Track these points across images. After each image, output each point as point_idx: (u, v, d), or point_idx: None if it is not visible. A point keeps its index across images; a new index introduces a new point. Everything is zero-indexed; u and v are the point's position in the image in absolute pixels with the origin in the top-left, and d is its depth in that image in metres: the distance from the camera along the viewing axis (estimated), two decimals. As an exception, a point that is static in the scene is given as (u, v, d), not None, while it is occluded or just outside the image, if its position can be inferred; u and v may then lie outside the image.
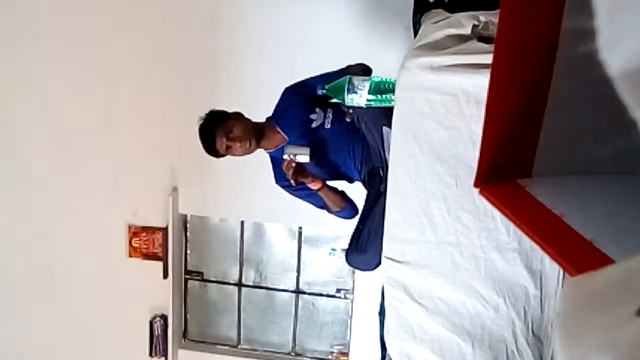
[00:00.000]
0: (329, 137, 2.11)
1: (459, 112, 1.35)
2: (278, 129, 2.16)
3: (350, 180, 2.24)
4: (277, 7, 3.27)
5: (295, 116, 2.13)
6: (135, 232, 3.79)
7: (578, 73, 0.82)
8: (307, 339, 3.95)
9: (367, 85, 1.74)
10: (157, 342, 3.90)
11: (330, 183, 2.19)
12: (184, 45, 3.44)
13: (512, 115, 0.89)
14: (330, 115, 2.12)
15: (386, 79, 1.75)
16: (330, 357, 3.93)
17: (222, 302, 4.01)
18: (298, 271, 3.85)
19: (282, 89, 2.21)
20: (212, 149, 2.09)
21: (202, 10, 3.40)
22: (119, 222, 3.78)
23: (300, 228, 3.77)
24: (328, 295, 3.83)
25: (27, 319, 3.97)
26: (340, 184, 2.25)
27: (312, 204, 2.23)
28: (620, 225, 0.86)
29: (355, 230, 2.05)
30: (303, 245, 3.80)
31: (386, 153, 1.82)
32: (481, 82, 1.28)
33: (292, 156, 1.96)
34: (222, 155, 2.12)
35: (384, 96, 1.74)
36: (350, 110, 1.93)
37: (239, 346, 4.04)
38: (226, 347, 4.05)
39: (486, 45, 1.36)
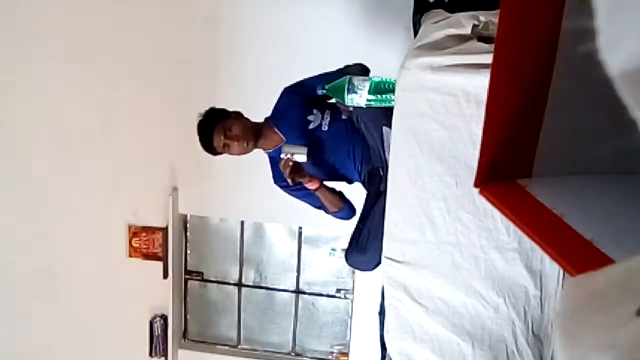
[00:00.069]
0: (326, 139, 2.11)
1: (459, 112, 1.35)
2: (276, 129, 2.16)
3: (349, 181, 2.24)
4: (277, 7, 3.27)
5: (293, 117, 2.13)
6: (135, 232, 3.79)
7: (578, 73, 0.82)
8: (307, 339, 3.95)
9: (367, 85, 1.74)
10: (157, 342, 3.90)
11: (329, 184, 2.19)
12: (184, 45, 3.44)
13: (512, 115, 0.89)
14: (328, 117, 2.12)
15: (386, 79, 1.75)
16: (330, 357, 3.93)
17: (222, 302, 4.01)
18: (298, 271, 3.85)
19: (282, 89, 2.21)
20: (209, 146, 2.10)
21: (202, 10, 3.40)
22: (119, 222, 3.78)
23: (300, 228, 3.77)
24: (328, 295, 3.83)
25: (27, 319, 3.97)
26: (339, 185, 2.25)
27: (310, 204, 2.23)
28: (620, 225, 0.86)
29: (355, 230, 2.05)
30: (303, 245, 3.80)
31: (386, 153, 1.82)
32: (481, 82, 1.28)
33: (289, 155, 1.96)
34: (219, 153, 2.12)
35: (384, 96, 1.73)
36: (350, 108, 1.93)
37: (239, 346, 4.04)
38: (226, 347, 4.05)
39: (486, 45, 1.36)
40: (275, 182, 2.19)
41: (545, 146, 0.92)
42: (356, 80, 1.76)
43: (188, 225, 3.90)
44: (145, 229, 3.78)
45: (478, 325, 1.48)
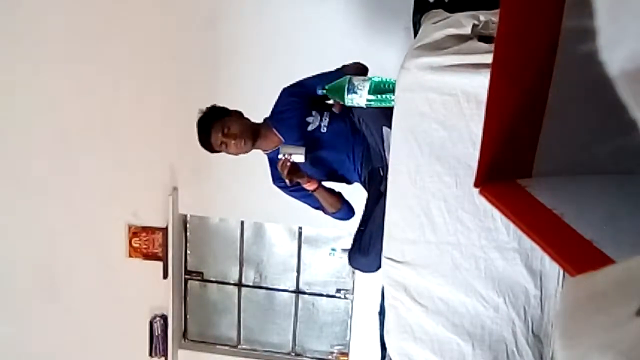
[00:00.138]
0: (325, 141, 2.11)
1: (459, 112, 1.35)
2: (275, 130, 2.16)
3: (349, 182, 2.24)
4: (277, 7, 3.27)
5: (292, 118, 2.13)
6: (135, 232, 3.79)
7: (578, 73, 0.82)
8: (307, 339, 3.95)
9: (367, 85, 1.73)
10: (157, 342, 3.90)
11: (328, 184, 2.19)
12: (184, 45, 3.44)
13: (512, 115, 0.89)
14: (327, 119, 2.12)
15: (386, 79, 1.75)
16: (330, 357, 3.93)
17: (222, 302, 4.01)
18: (298, 271, 3.85)
19: (281, 90, 2.21)
20: (206, 143, 2.10)
21: (202, 10, 3.40)
22: (119, 222, 3.78)
23: (300, 228, 3.77)
24: (328, 295, 3.83)
25: (27, 319, 3.97)
26: (339, 186, 2.25)
27: (309, 204, 2.23)
28: (620, 225, 0.86)
29: (357, 232, 2.05)
30: (303, 245, 3.80)
31: (386, 153, 1.82)
32: (481, 82, 1.28)
33: (287, 155, 1.96)
34: (217, 151, 2.13)
35: (384, 96, 1.73)
36: (341, 104, 1.93)
37: (239, 346, 4.04)
38: (226, 347, 4.05)
39: (486, 45, 1.36)
40: (274, 182, 2.19)
41: (545, 146, 0.92)
42: (356, 80, 1.76)
43: (188, 225, 3.90)
44: (145, 229, 3.78)
45: (478, 325, 1.48)
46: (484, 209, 1.38)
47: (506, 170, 0.94)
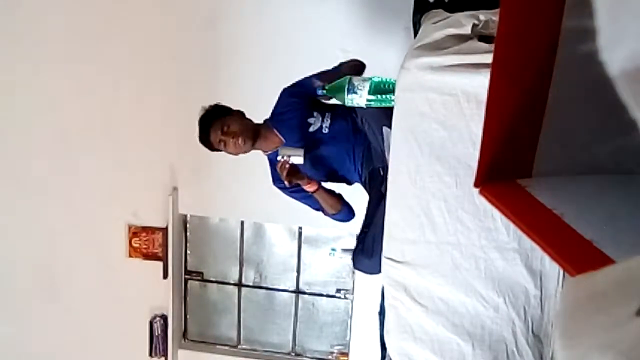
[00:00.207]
0: (327, 141, 2.11)
1: (459, 112, 1.35)
2: (276, 131, 2.16)
3: (349, 183, 2.24)
4: (277, 7, 3.27)
5: (292, 119, 2.13)
6: (135, 232, 3.79)
7: (578, 73, 0.82)
8: (307, 339, 3.95)
9: (367, 85, 1.73)
10: (157, 342, 3.90)
11: (328, 185, 2.19)
12: (184, 45, 3.44)
13: (512, 115, 0.89)
14: (329, 120, 2.12)
15: (386, 79, 1.75)
16: (330, 357, 3.93)
17: (222, 302, 4.01)
18: (298, 271, 3.85)
19: (280, 91, 2.21)
20: (206, 140, 2.10)
21: (202, 10, 3.40)
22: (119, 222, 3.78)
23: (300, 228, 3.77)
24: (328, 295, 3.83)
25: (27, 319, 3.97)
26: (339, 187, 2.25)
27: (309, 205, 2.23)
28: (620, 225, 0.86)
29: (360, 233, 2.05)
30: (303, 245, 3.80)
31: (386, 153, 1.82)
32: (481, 82, 1.28)
33: (285, 157, 1.96)
34: (216, 149, 2.13)
35: (384, 96, 1.73)
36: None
37: (239, 346, 4.04)
38: (226, 347, 4.05)
39: (486, 45, 1.36)
40: (274, 183, 2.19)
41: (545, 146, 0.92)
42: (356, 80, 1.76)
43: (188, 225, 3.90)
44: (145, 229, 3.78)
45: (478, 325, 1.48)
46: (484, 209, 1.38)
47: (506, 170, 0.94)
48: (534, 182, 0.94)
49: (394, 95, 1.53)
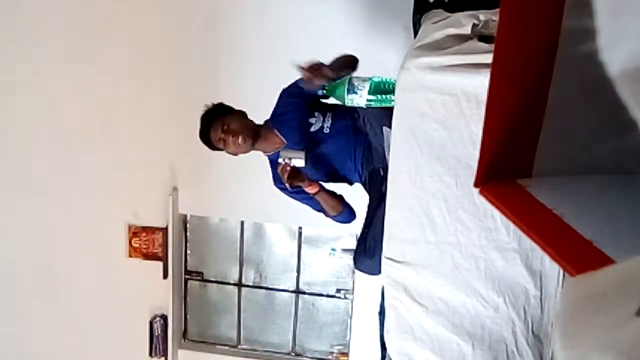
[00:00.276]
0: (328, 141, 2.11)
1: (459, 112, 1.35)
2: (277, 132, 2.16)
3: (350, 183, 2.24)
4: (277, 7, 3.27)
5: (293, 120, 2.13)
6: (135, 232, 3.79)
7: (578, 73, 0.82)
8: (307, 339, 3.95)
9: (367, 85, 1.74)
10: (157, 342, 3.90)
11: (329, 185, 2.19)
12: (184, 45, 3.44)
13: (512, 115, 0.89)
14: (330, 119, 2.12)
15: (386, 79, 1.75)
16: (330, 357, 3.93)
17: (222, 302, 4.01)
18: (298, 271, 3.85)
19: (280, 91, 2.21)
20: (206, 138, 2.10)
21: (202, 10, 3.40)
22: (119, 222, 3.78)
23: (300, 228, 3.77)
24: (328, 295, 3.83)
25: (27, 319, 3.97)
26: (340, 188, 2.25)
27: (310, 206, 2.23)
28: (620, 225, 0.86)
29: (361, 234, 2.04)
30: (303, 245, 3.80)
31: (387, 153, 1.82)
32: (481, 82, 1.28)
33: (287, 160, 1.96)
34: (216, 148, 2.12)
35: (384, 96, 1.74)
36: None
37: (239, 346, 4.04)
38: (226, 347, 4.05)
39: (486, 45, 1.36)
40: (275, 184, 2.19)
41: (545, 146, 0.92)
42: (356, 80, 1.76)
43: (188, 225, 3.90)
44: (145, 229, 3.78)
45: (478, 325, 1.48)
46: (484, 209, 1.38)
47: (506, 170, 0.94)
48: (534, 182, 0.94)
49: (394, 95, 1.53)
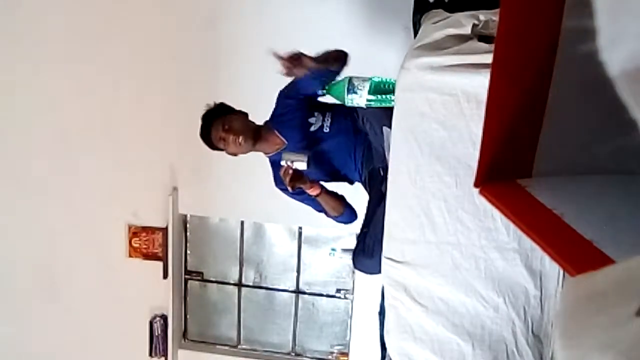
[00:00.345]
0: (328, 141, 2.11)
1: (459, 112, 1.35)
2: (277, 132, 2.16)
3: (351, 182, 2.24)
4: (277, 7, 3.27)
5: (292, 120, 2.13)
6: (135, 232, 3.79)
7: (578, 73, 0.82)
8: (307, 339, 3.95)
9: (367, 85, 1.74)
10: (157, 342, 3.90)
11: (330, 184, 2.19)
12: (184, 45, 3.43)
13: (512, 115, 0.89)
14: (329, 119, 2.12)
15: (386, 79, 1.75)
16: (330, 357, 3.93)
17: (222, 302, 4.01)
18: (298, 271, 3.85)
19: (278, 93, 2.21)
20: (207, 137, 2.10)
21: (202, 10, 3.40)
22: (119, 222, 3.78)
23: (300, 228, 3.77)
24: (328, 295, 3.83)
25: (27, 319, 3.97)
26: (341, 188, 2.25)
27: (311, 207, 2.23)
28: (620, 226, 0.86)
29: (360, 233, 2.04)
30: (303, 245, 3.80)
31: (387, 153, 1.82)
32: (481, 82, 1.28)
33: (289, 163, 1.96)
34: (216, 148, 2.12)
35: (384, 96, 1.74)
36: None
37: (239, 346, 4.04)
38: (226, 347, 4.05)
39: (486, 45, 1.36)
40: (277, 185, 2.19)
41: (545, 146, 0.92)
42: (356, 80, 1.76)
43: (188, 225, 3.90)
44: (145, 229, 3.78)
45: (478, 325, 1.48)
46: (484, 209, 1.38)
47: (506, 170, 0.94)
48: (534, 182, 0.94)
49: (394, 95, 1.53)
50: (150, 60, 3.47)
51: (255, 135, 2.11)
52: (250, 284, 3.93)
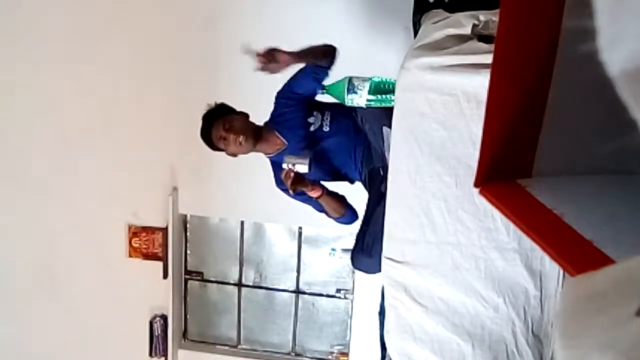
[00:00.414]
0: (328, 140, 2.11)
1: (459, 112, 1.35)
2: (277, 133, 2.16)
3: (352, 181, 2.24)
4: (277, 7, 3.27)
5: (291, 120, 2.13)
6: (135, 232, 3.79)
7: (578, 73, 0.82)
8: (307, 339, 3.95)
9: (367, 85, 1.74)
10: (157, 342, 3.90)
11: (331, 184, 2.19)
12: (184, 45, 3.43)
13: (512, 115, 0.89)
14: (329, 118, 2.12)
15: (386, 79, 1.75)
16: (330, 357, 3.93)
17: (222, 302, 4.01)
18: (298, 271, 3.84)
19: (275, 94, 2.21)
20: (207, 137, 2.10)
21: (202, 10, 3.40)
22: (119, 222, 3.78)
23: (300, 228, 3.77)
24: (328, 295, 3.83)
25: (27, 319, 3.97)
26: (342, 189, 2.24)
27: (312, 207, 2.22)
28: (620, 225, 0.86)
29: (359, 233, 2.04)
30: (303, 245, 3.80)
31: (386, 153, 1.82)
32: (481, 82, 1.28)
33: (290, 166, 1.96)
34: (216, 148, 2.12)
35: (384, 96, 1.74)
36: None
37: (239, 346, 4.04)
38: (226, 347, 4.05)
39: (486, 45, 1.36)
40: (277, 185, 2.18)
41: (545, 146, 0.92)
42: (356, 80, 1.76)
43: (188, 225, 3.90)
44: (145, 229, 3.78)
45: (478, 325, 1.48)
46: (484, 209, 1.38)
47: (506, 170, 0.94)
48: (534, 182, 0.94)
49: (394, 95, 1.53)
50: (150, 60, 3.47)
51: (255, 135, 2.11)
52: (250, 284, 3.93)
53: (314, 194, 2.06)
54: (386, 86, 1.76)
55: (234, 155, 2.15)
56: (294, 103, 2.12)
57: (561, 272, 1.40)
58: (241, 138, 2.06)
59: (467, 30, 1.43)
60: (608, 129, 0.86)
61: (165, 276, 3.78)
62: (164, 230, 3.73)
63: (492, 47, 0.95)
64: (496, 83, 0.86)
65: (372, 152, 2.04)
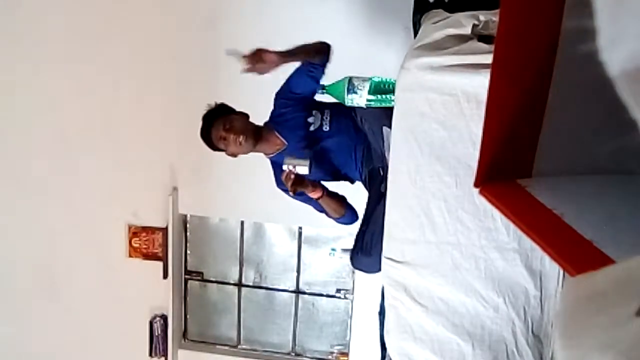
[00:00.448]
0: (328, 139, 2.11)
1: (459, 112, 1.35)
2: (276, 133, 2.16)
3: (352, 181, 2.24)
4: (277, 7, 3.27)
5: (291, 120, 2.13)
6: (135, 232, 3.79)
7: (578, 73, 0.82)
8: (307, 339, 3.95)
9: (367, 85, 1.74)
10: (157, 342, 3.90)
11: (331, 184, 2.19)
12: (184, 45, 3.43)
13: (512, 115, 0.89)
14: (328, 117, 2.12)
15: (386, 79, 1.75)
16: (330, 357, 3.93)
17: (222, 302, 4.01)
18: (298, 271, 3.84)
19: (274, 95, 2.21)
20: (207, 137, 2.10)
21: (202, 10, 3.40)
22: (119, 222, 3.78)
23: (300, 228, 3.76)
24: (328, 295, 3.83)
25: (27, 319, 3.97)
26: (343, 189, 2.24)
27: (312, 207, 2.22)
28: (620, 225, 0.86)
29: (359, 232, 2.04)
30: (303, 245, 3.80)
31: (386, 153, 1.82)
32: (481, 82, 1.28)
33: (290, 167, 1.96)
34: (216, 148, 2.12)
35: (384, 96, 1.74)
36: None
37: (239, 346, 4.04)
38: (226, 347, 4.05)
39: (486, 46, 1.36)
40: (278, 186, 2.18)
41: (545, 146, 0.92)
42: (356, 80, 1.76)
43: (188, 225, 3.90)
44: (145, 229, 3.78)
45: (478, 325, 1.48)
46: (484, 209, 1.38)
47: (506, 170, 0.94)
48: (534, 182, 0.94)
49: (394, 95, 1.53)
50: (150, 60, 3.47)
51: (256, 135, 2.11)
52: (250, 284, 3.93)
53: (315, 195, 2.06)
54: (386, 86, 1.76)
55: (234, 155, 2.15)
56: (293, 103, 2.12)
57: (561, 272, 1.40)
58: (241, 138, 2.05)
59: (467, 30, 1.43)
60: (608, 129, 0.86)
61: (165, 276, 3.78)
62: (164, 230, 3.73)
63: (492, 47, 0.95)
64: (496, 83, 0.86)
65: (372, 152, 2.04)
